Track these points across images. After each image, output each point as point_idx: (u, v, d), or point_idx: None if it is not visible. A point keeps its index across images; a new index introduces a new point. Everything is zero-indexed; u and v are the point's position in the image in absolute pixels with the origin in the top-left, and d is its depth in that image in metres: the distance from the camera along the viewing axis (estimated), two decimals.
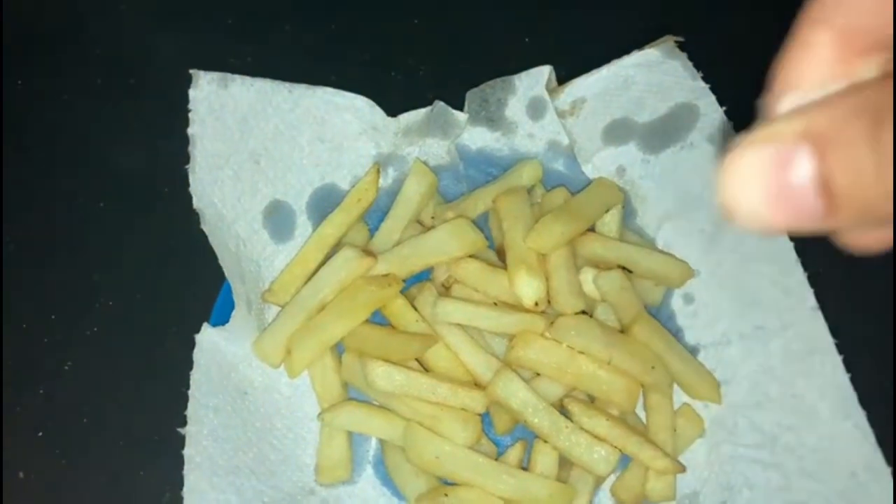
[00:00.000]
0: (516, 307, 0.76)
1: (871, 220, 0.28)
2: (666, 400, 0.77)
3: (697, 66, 0.82)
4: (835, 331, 0.76)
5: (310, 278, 0.79)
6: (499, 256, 0.81)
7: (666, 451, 0.74)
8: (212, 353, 0.76)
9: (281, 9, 0.94)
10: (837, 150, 0.27)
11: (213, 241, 0.78)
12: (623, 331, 0.77)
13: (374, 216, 0.84)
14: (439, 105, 0.84)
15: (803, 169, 0.28)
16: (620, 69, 0.83)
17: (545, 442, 0.73)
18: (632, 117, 0.84)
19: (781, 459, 0.75)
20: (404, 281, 0.78)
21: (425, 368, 0.77)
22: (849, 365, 0.75)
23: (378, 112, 0.84)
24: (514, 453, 0.76)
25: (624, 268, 0.79)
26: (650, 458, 0.73)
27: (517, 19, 0.92)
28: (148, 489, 0.77)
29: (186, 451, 0.73)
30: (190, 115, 0.80)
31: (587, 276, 0.78)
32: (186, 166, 0.80)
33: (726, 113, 0.81)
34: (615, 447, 0.72)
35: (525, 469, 0.74)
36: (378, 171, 0.84)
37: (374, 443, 0.79)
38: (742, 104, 0.82)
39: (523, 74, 0.85)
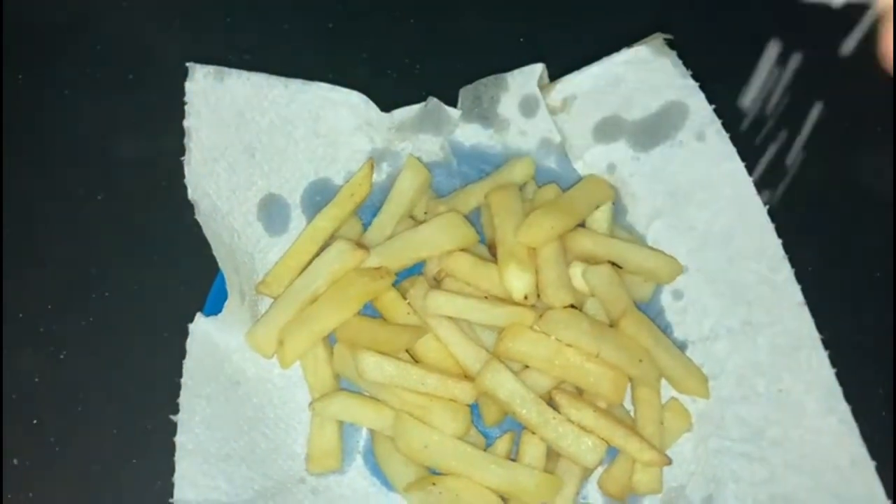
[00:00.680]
0: (506, 300, 0.77)
1: None
2: (654, 394, 0.77)
3: (687, 64, 0.83)
4: (821, 326, 0.77)
5: (303, 271, 0.80)
6: (490, 251, 0.82)
7: (653, 444, 0.75)
8: (205, 343, 0.77)
9: (279, 7, 0.95)
10: None
11: (208, 233, 0.79)
12: (612, 325, 0.78)
13: (368, 211, 0.85)
14: (433, 101, 0.85)
15: None
16: (610, 67, 0.84)
17: (533, 433, 0.74)
18: (622, 115, 0.85)
19: (767, 453, 0.76)
20: (396, 274, 0.79)
21: (415, 360, 0.78)
22: (834, 360, 0.76)
23: (372, 108, 0.85)
24: (503, 444, 0.77)
25: (614, 263, 0.80)
26: (637, 451, 0.74)
27: (511, 18, 0.93)
28: (141, 477, 0.78)
29: (178, 439, 0.74)
30: (186, 107, 0.81)
31: (576, 271, 0.79)
32: (182, 158, 0.81)
33: (715, 111, 0.82)
34: (602, 439, 0.73)
35: (513, 460, 0.75)
36: (372, 167, 0.85)
37: (364, 433, 0.80)
38: (731, 102, 0.84)
39: (516, 72, 0.86)
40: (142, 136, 0.89)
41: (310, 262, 0.80)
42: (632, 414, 0.79)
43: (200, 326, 0.78)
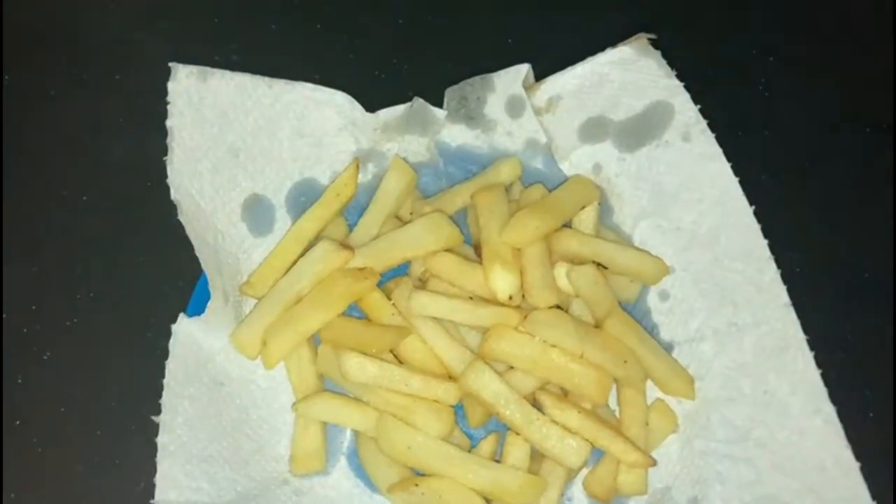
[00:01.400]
0: (491, 301, 0.76)
1: None
2: (639, 395, 0.77)
3: (671, 64, 0.83)
4: (807, 328, 0.77)
5: (288, 271, 0.79)
6: (476, 252, 0.81)
7: (638, 445, 0.75)
8: (188, 344, 0.77)
9: (266, 8, 0.95)
10: None
11: (190, 233, 0.79)
12: (597, 326, 0.78)
13: (353, 212, 0.85)
14: (418, 102, 0.85)
15: None
16: (595, 67, 0.84)
17: (517, 434, 0.74)
18: (607, 115, 0.85)
19: (753, 454, 0.76)
20: (381, 275, 0.79)
21: (400, 361, 0.78)
22: (820, 361, 0.75)
23: (358, 108, 0.85)
24: (487, 445, 0.76)
25: (600, 264, 0.80)
26: (621, 452, 0.74)
27: (496, 19, 0.93)
28: (124, 477, 0.78)
29: (160, 439, 0.74)
30: (169, 107, 0.81)
31: (561, 272, 0.79)
32: (165, 158, 0.80)
33: (700, 111, 0.82)
34: (587, 440, 0.73)
35: (497, 461, 0.75)
36: (357, 167, 0.84)
37: (348, 434, 0.80)
38: (716, 102, 0.84)
39: (502, 73, 0.86)
40: (127, 136, 0.89)
41: (294, 263, 0.79)
42: (617, 415, 0.78)
43: (184, 327, 0.77)
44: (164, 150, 0.81)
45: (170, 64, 0.82)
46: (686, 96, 0.82)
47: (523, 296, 0.76)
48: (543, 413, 0.73)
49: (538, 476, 0.74)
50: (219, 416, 0.77)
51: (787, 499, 0.74)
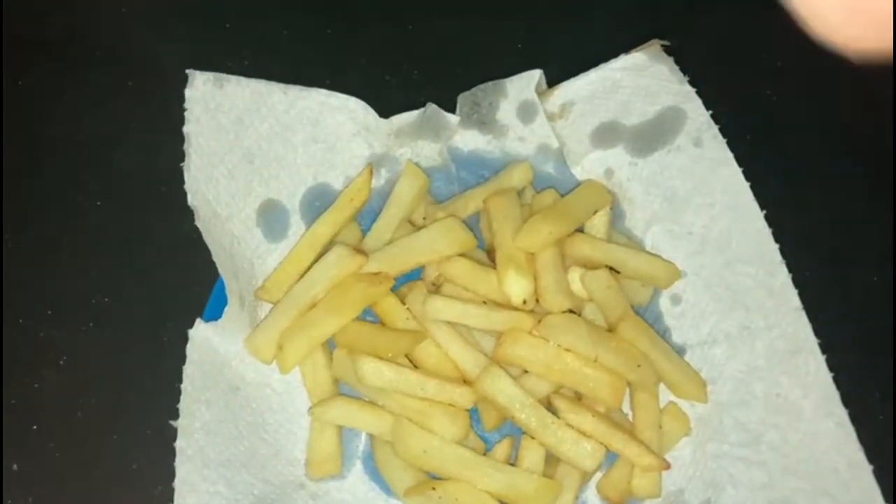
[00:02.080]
0: (505, 305, 0.77)
1: None
2: (652, 398, 0.78)
3: (683, 70, 0.84)
4: (818, 331, 0.77)
5: (302, 276, 0.80)
6: (489, 256, 0.82)
7: (652, 448, 0.75)
8: (204, 349, 0.78)
9: (279, 13, 0.96)
10: None
11: (207, 238, 0.80)
12: (610, 330, 0.79)
13: (367, 217, 0.85)
14: (431, 107, 0.86)
15: None
16: (608, 73, 0.85)
17: (532, 438, 0.74)
18: (620, 120, 0.85)
19: (765, 457, 0.76)
20: (395, 279, 0.79)
21: (415, 365, 0.78)
22: (832, 364, 0.76)
23: (371, 113, 0.86)
24: (502, 449, 0.77)
25: (612, 269, 0.80)
26: (635, 455, 0.74)
27: (509, 24, 0.94)
28: (141, 482, 0.78)
29: (178, 444, 0.74)
30: (185, 113, 0.82)
31: (575, 276, 0.79)
32: (182, 164, 0.81)
33: (712, 116, 0.83)
34: (601, 443, 0.73)
35: (512, 465, 0.75)
36: (371, 172, 0.85)
37: (363, 438, 0.80)
38: (727, 107, 0.84)
39: (514, 78, 0.86)
40: (141, 142, 0.89)
41: (309, 268, 0.80)
42: (630, 418, 0.79)
43: (200, 332, 0.78)
44: (180, 156, 0.82)
45: (187, 71, 0.83)
46: (698, 102, 0.83)
47: (537, 300, 0.77)
48: (558, 417, 0.74)
49: (553, 479, 0.74)
50: (235, 420, 0.77)
51: (800, 501, 0.75)
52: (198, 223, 0.80)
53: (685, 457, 0.79)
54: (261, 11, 0.96)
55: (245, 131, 0.84)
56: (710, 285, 0.82)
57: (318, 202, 0.85)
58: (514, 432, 0.78)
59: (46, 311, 0.84)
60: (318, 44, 0.94)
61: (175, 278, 0.84)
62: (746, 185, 0.81)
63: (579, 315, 0.79)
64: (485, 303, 0.78)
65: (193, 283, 0.82)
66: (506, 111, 0.87)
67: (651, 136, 0.85)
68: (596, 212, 0.82)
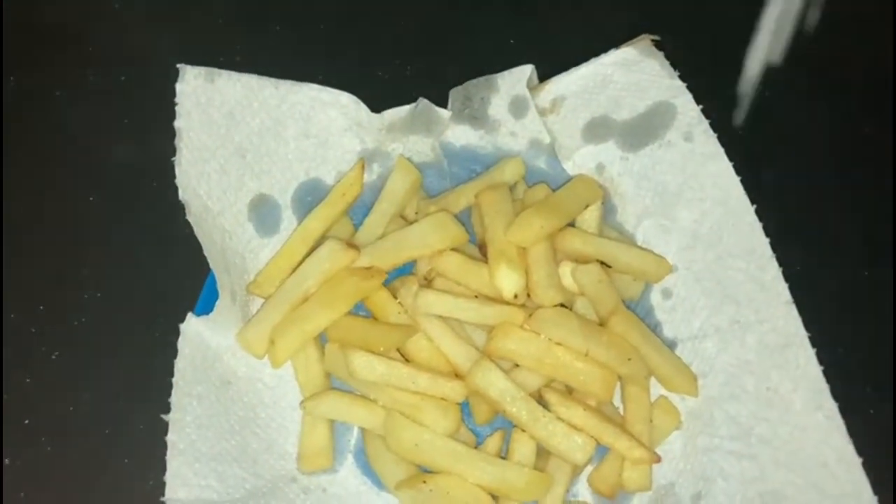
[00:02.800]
0: (496, 299, 0.77)
1: None
2: (643, 392, 0.78)
3: (674, 65, 0.84)
4: (808, 325, 0.77)
5: (294, 271, 0.80)
6: (480, 251, 0.82)
7: (642, 441, 0.75)
8: (196, 343, 0.78)
9: (270, 9, 0.96)
10: None
11: (199, 233, 0.80)
12: (601, 324, 0.79)
13: (359, 212, 0.86)
14: (423, 102, 0.86)
15: None
16: (599, 68, 0.85)
17: (523, 431, 0.74)
18: (611, 115, 0.85)
19: (756, 450, 0.76)
20: (387, 274, 0.80)
21: (406, 359, 0.78)
22: (821, 358, 0.76)
23: (363, 108, 0.86)
24: (493, 443, 0.77)
25: (604, 263, 0.81)
26: (626, 448, 0.74)
27: (501, 20, 0.94)
28: (132, 476, 0.78)
29: (169, 438, 0.74)
30: (176, 108, 0.81)
31: (566, 270, 0.80)
32: (173, 159, 0.81)
33: (703, 111, 0.83)
34: (592, 437, 0.74)
35: (503, 458, 0.76)
36: (363, 167, 0.85)
37: (355, 432, 0.80)
38: (718, 102, 0.84)
39: (506, 73, 0.86)
40: (133, 137, 0.89)
41: (301, 263, 0.80)
42: (621, 412, 0.79)
43: (192, 326, 0.78)
44: (171, 151, 0.81)
45: (178, 65, 0.83)
46: (688, 97, 0.83)
47: (528, 294, 0.77)
48: (549, 410, 0.74)
49: (544, 472, 0.75)
50: (227, 414, 0.77)
51: (790, 494, 0.75)
52: (189, 218, 0.80)
53: (676, 450, 0.79)
54: (252, 6, 0.96)
55: (236, 126, 0.84)
56: (700, 279, 0.82)
57: (309, 197, 0.85)
58: (506, 426, 0.78)
59: (38, 306, 0.84)
60: (309, 39, 0.94)
61: (166, 273, 0.84)
62: (737, 179, 0.81)
63: (570, 309, 0.79)
64: (476, 297, 0.78)
65: (185, 278, 0.82)
66: (497, 106, 0.87)
67: (642, 131, 0.85)
68: (587, 206, 0.83)
